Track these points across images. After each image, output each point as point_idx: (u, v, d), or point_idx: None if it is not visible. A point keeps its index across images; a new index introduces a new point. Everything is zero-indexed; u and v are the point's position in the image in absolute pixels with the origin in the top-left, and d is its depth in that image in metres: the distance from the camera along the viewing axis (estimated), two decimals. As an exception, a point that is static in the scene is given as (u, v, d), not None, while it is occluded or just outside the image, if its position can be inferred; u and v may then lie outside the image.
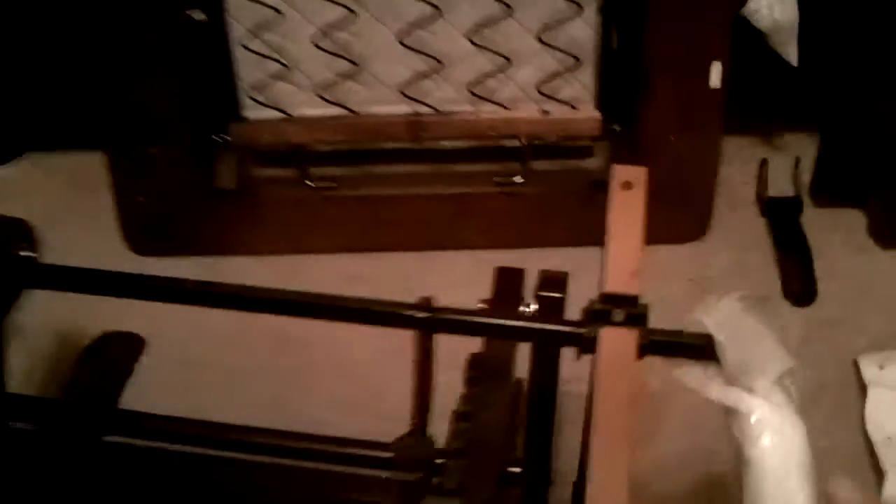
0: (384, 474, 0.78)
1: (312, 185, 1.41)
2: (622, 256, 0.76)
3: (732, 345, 0.69)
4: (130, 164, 1.39)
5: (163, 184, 1.41)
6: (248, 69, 1.37)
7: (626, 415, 0.67)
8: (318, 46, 1.33)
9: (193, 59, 1.38)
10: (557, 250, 1.42)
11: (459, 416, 0.81)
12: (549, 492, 0.96)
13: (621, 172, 0.82)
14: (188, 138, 1.41)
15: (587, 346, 0.73)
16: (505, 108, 1.39)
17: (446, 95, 1.39)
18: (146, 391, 1.30)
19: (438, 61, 1.35)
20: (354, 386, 1.30)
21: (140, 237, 1.45)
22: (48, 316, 1.39)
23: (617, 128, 1.43)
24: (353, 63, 1.34)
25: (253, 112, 1.41)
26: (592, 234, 1.48)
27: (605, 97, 1.41)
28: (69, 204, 1.57)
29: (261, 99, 1.39)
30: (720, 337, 0.70)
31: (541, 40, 1.34)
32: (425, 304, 0.77)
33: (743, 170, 1.57)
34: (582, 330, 0.74)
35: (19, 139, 1.63)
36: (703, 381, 0.71)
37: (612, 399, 0.69)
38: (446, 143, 1.46)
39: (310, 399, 1.30)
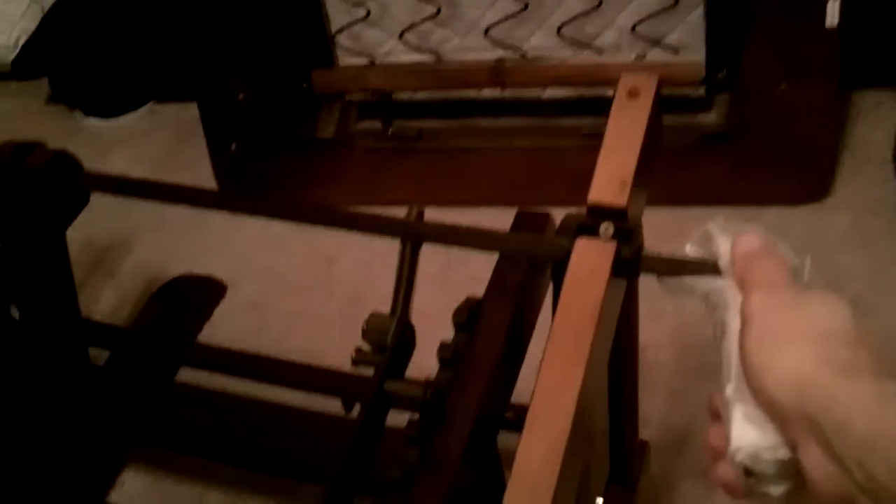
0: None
1: (391, 134, 1.39)
2: (615, 166, 0.68)
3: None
4: (219, 110, 1.43)
5: (251, 131, 1.43)
6: (336, 16, 1.37)
7: (584, 334, 0.60)
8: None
9: (281, 5, 1.40)
10: (650, 210, 1.33)
11: (443, 356, 0.75)
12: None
13: (628, 80, 0.74)
14: (275, 86, 1.43)
15: (563, 260, 0.66)
16: (598, 53, 1.32)
17: (540, 42, 1.34)
18: (220, 336, 1.34)
19: (526, 5, 1.29)
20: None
21: (231, 184, 1.47)
22: (140, 258, 1.46)
23: (720, 75, 1.32)
24: (437, 9, 1.31)
25: (342, 59, 1.41)
26: (695, 193, 1.40)
27: (710, 42, 1.31)
28: (177, 150, 1.63)
29: (349, 46, 1.39)
30: (718, 238, 0.61)
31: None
32: (414, 213, 0.73)
33: (878, 127, 1.39)
34: (561, 241, 0.67)
35: (143, 91, 1.71)
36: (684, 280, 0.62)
37: (571, 317, 0.61)
38: (542, 95, 1.40)
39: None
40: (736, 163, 1.34)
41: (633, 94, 0.73)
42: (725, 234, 0.59)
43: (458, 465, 0.67)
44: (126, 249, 1.46)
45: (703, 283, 0.59)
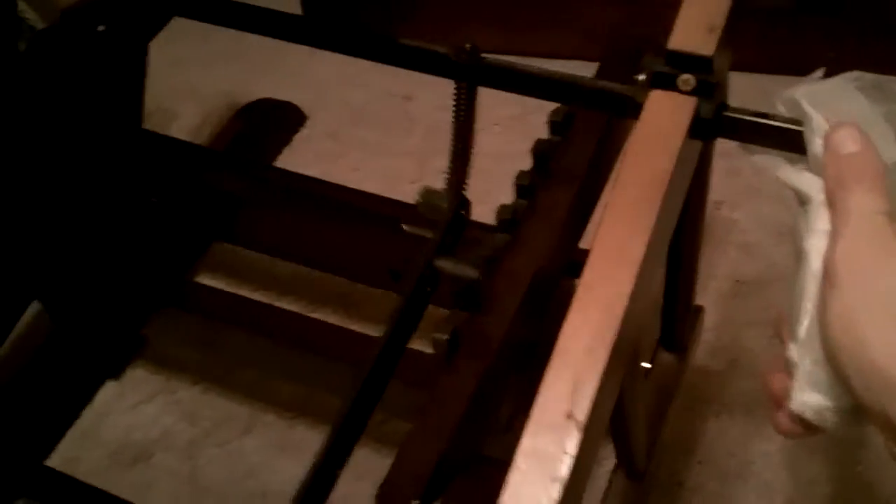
0: (406, 227, 0.62)
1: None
2: (702, 7, 0.54)
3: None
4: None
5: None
6: None
7: (650, 203, 0.47)
8: None
9: None
10: (741, 76, 1.16)
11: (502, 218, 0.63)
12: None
13: None
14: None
15: (634, 111, 0.53)
16: None
17: None
18: (297, 159, 1.24)
19: None
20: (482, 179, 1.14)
21: (316, 11, 1.33)
22: (223, 82, 1.34)
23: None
24: None
25: None
26: (784, 60, 1.21)
27: None
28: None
29: None
30: (813, 118, 0.47)
31: None
32: (465, 49, 0.60)
33: None
34: (629, 92, 0.54)
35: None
36: (775, 162, 0.49)
37: (637, 182, 0.48)
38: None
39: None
40: (829, 29, 1.15)
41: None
42: (817, 110, 0.46)
43: (515, 313, 0.57)
44: (210, 72, 1.35)
45: (791, 174, 0.46)
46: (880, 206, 0.39)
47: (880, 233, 0.38)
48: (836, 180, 0.41)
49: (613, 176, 0.49)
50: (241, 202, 0.97)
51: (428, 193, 0.61)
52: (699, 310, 0.87)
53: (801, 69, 0.47)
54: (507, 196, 0.62)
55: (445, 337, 0.52)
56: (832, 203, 0.41)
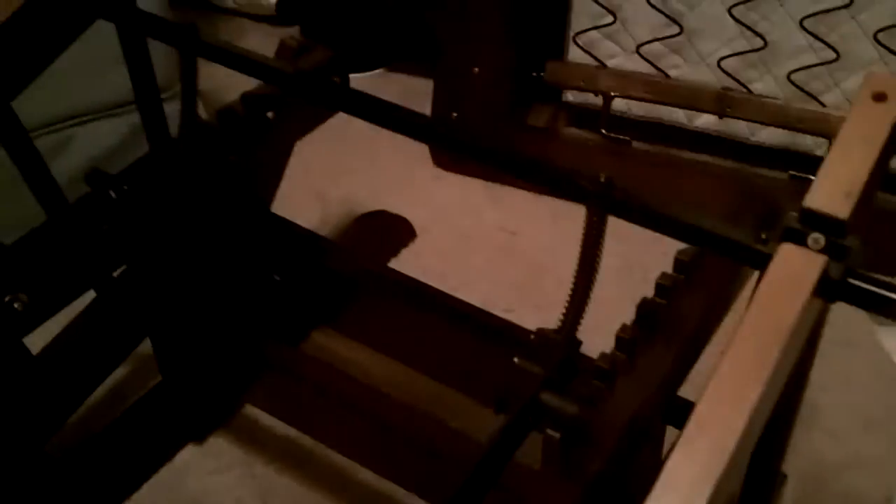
0: (517, 361, 0.62)
1: (606, 133, 1.26)
2: (842, 173, 0.53)
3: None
4: (452, 79, 1.33)
5: (476, 104, 1.33)
6: (578, 19, 1.25)
7: (769, 351, 0.45)
8: (651, 5, 1.18)
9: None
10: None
11: (620, 343, 0.61)
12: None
13: (875, 81, 0.58)
14: (509, 68, 1.32)
15: (760, 262, 0.52)
16: (821, 103, 1.14)
17: (766, 88, 1.17)
18: (405, 270, 1.25)
19: (764, 42, 1.13)
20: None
21: (442, 150, 1.38)
22: (348, 191, 1.37)
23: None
24: (680, 27, 1.17)
25: (573, 58, 1.28)
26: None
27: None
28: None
29: (581, 51, 1.26)
30: None
31: (878, 42, 1.08)
32: (600, 179, 0.60)
33: None
34: (760, 246, 0.53)
35: (378, 56, 1.64)
36: None
37: (762, 325, 0.46)
38: (751, 137, 1.23)
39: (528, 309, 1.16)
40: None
41: (879, 97, 0.57)
42: None
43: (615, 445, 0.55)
44: (339, 180, 1.39)
45: None
46: None
47: None
48: None
49: (736, 322, 0.47)
50: (352, 293, 0.97)
51: (541, 335, 0.61)
52: (783, 477, 0.82)
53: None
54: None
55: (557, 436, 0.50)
56: None
